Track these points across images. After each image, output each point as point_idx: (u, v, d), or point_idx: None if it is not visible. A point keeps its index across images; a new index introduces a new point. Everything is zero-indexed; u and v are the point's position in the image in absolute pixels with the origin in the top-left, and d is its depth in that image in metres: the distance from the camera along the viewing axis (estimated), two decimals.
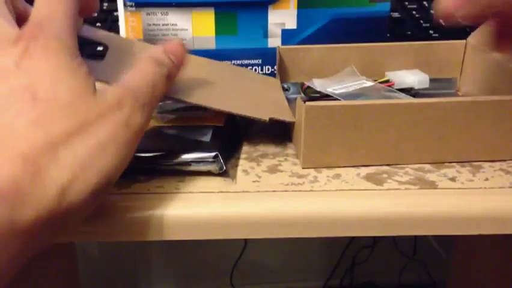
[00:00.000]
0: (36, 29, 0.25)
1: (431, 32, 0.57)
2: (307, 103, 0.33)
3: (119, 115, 0.25)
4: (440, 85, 0.45)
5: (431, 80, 0.43)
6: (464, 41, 0.45)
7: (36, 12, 0.26)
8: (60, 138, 0.23)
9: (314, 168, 0.35)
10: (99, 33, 0.35)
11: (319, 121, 0.33)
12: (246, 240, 1.01)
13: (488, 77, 0.42)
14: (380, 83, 0.41)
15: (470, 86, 0.44)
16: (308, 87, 0.41)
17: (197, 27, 0.42)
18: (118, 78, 0.28)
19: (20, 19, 0.28)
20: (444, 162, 0.36)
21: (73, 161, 0.23)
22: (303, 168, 0.35)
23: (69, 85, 0.24)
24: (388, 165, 0.35)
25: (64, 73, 0.24)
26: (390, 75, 0.43)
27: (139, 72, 0.29)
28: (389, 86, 0.41)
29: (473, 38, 0.44)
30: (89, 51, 0.52)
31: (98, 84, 0.27)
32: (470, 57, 0.44)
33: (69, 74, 0.25)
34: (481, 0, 0.31)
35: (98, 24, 0.55)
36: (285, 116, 0.37)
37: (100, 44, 0.35)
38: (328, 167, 0.35)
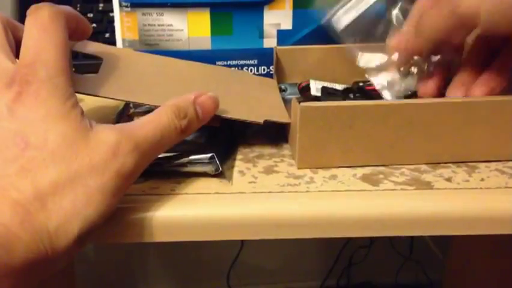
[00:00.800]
0: (29, 71, 0.25)
1: None
2: (302, 104, 0.33)
3: (111, 164, 0.25)
4: None
5: None
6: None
7: (26, 50, 0.26)
8: (48, 188, 0.24)
9: (310, 168, 0.35)
10: (93, 47, 0.35)
11: (314, 121, 0.33)
12: (242, 241, 1.01)
13: None
14: None
15: None
16: (305, 87, 0.41)
17: (192, 27, 0.42)
18: (111, 92, 0.28)
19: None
20: (440, 163, 0.36)
21: (59, 210, 0.24)
22: (298, 168, 0.35)
23: (60, 132, 0.24)
24: (384, 165, 0.35)
25: (55, 120, 0.25)
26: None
27: (153, 121, 0.28)
28: None
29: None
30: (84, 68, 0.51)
31: (101, 126, 0.26)
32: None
33: (60, 120, 0.25)
34: (406, 49, 0.37)
35: (94, 25, 0.55)
36: (281, 117, 0.37)
37: (94, 57, 0.35)
38: (323, 168, 0.35)
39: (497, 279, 0.80)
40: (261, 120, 0.36)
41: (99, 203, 0.25)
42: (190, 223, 0.31)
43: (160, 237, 0.31)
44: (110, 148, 0.25)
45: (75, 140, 0.25)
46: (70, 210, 0.24)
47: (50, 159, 0.24)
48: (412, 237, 1.02)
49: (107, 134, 0.26)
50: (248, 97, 0.39)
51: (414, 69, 0.38)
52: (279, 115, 0.37)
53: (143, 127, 0.28)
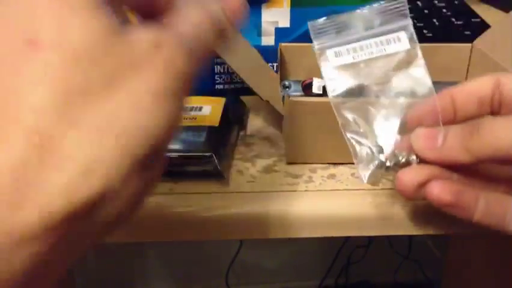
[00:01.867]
0: None
1: (425, 31, 0.57)
2: (291, 98, 0.33)
3: (155, 58, 0.18)
4: (444, 87, 0.44)
5: (435, 83, 0.42)
6: (470, 44, 0.44)
7: None
8: (75, 98, 0.16)
9: (299, 163, 0.35)
10: None
11: (303, 116, 0.33)
12: (241, 241, 1.01)
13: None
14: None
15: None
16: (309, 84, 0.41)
17: None
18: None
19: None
20: None
21: (98, 128, 0.16)
22: (288, 163, 0.35)
23: (84, 26, 0.17)
24: None
25: (76, 11, 0.17)
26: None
27: (186, 16, 0.21)
28: None
29: (479, 42, 0.44)
30: None
31: (135, 26, 0.20)
32: (475, 61, 0.44)
33: (84, 12, 0.17)
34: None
35: None
36: (278, 106, 0.38)
37: None
38: (314, 163, 0.35)
39: (496, 279, 0.80)
40: (265, 99, 0.38)
41: (150, 110, 0.17)
42: (188, 222, 0.31)
43: (159, 236, 0.31)
44: (151, 42, 0.18)
45: (106, 35, 0.17)
46: (113, 125, 0.16)
47: (74, 61, 0.16)
48: (411, 236, 1.02)
49: (145, 29, 0.19)
50: (259, 74, 0.40)
51: (411, 158, 0.28)
52: (277, 104, 0.38)
53: (180, 22, 0.21)
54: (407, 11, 0.30)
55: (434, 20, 0.59)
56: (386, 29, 0.30)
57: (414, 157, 0.27)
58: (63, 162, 0.16)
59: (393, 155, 0.28)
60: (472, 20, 0.60)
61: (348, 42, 0.30)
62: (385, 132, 0.29)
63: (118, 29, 0.18)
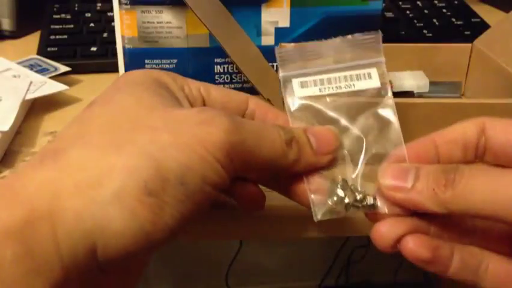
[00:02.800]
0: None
1: (424, 31, 0.57)
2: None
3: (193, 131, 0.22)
4: (444, 88, 0.44)
5: (435, 83, 0.42)
6: (470, 44, 0.44)
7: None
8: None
9: None
10: None
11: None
12: (241, 241, 1.01)
13: (493, 82, 0.41)
14: None
15: (476, 90, 0.44)
16: None
17: (191, 25, 0.42)
18: None
19: None
20: None
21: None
22: None
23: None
24: None
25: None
26: (392, 76, 0.42)
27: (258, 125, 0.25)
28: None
29: (479, 42, 0.44)
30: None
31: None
32: (475, 61, 0.44)
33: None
34: None
35: (92, 24, 0.55)
36: (278, 106, 0.38)
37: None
38: None
39: None
40: (266, 97, 0.38)
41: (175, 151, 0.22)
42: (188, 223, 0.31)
43: None
44: (196, 115, 0.23)
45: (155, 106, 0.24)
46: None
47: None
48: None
49: (200, 109, 0.24)
50: (260, 72, 0.41)
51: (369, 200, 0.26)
52: (277, 104, 0.38)
53: (251, 124, 0.25)
54: (381, 47, 0.28)
55: (434, 20, 0.59)
56: (357, 63, 0.28)
57: (371, 200, 0.25)
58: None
59: (351, 191, 0.25)
60: (472, 20, 0.60)
61: (316, 73, 0.28)
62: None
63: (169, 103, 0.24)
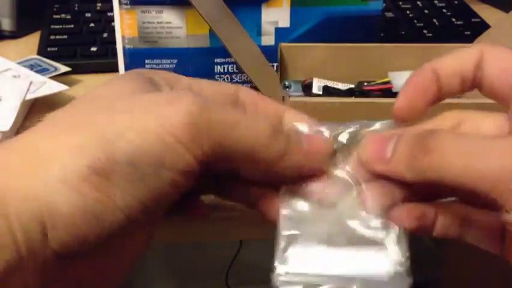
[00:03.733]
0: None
1: (424, 31, 0.57)
2: (291, 98, 0.33)
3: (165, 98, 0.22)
4: None
5: None
6: (470, 44, 0.44)
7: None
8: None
9: None
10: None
11: None
12: (241, 241, 1.01)
13: None
14: (380, 83, 0.41)
15: (475, 90, 0.44)
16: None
17: (191, 25, 0.42)
18: None
19: None
20: None
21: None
22: None
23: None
24: None
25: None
26: (393, 75, 0.42)
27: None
28: (388, 88, 0.41)
29: (479, 42, 0.44)
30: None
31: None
32: None
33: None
34: None
35: (92, 24, 0.55)
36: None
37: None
38: None
39: (496, 278, 0.80)
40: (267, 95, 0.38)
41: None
42: (189, 223, 0.31)
43: (159, 236, 0.31)
44: (162, 96, 0.23)
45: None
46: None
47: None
48: (410, 235, 1.02)
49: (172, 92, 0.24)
50: (261, 71, 0.41)
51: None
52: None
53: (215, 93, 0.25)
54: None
55: (434, 20, 0.59)
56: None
57: None
58: None
59: None
60: (472, 20, 0.60)
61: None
62: None
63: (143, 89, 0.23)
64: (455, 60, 0.25)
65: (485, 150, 0.20)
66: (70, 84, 0.45)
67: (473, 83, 0.25)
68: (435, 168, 0.21)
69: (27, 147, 0.20)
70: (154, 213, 0.22)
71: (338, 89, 0.41)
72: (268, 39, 0.44)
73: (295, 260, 0.23)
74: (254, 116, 0.23)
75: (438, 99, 0.26)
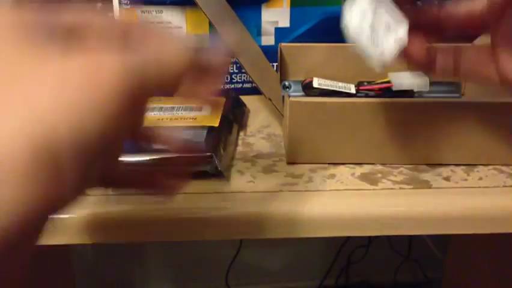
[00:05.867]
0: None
1: None
2: (291, 98, 0.33)
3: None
4: (444, 88, 0.44)
5: (436, 84, 0.42)
6: (470, 44, 0.44)
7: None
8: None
9: (299, 163, 0.35)
10: None
11: (303, 116, 0.33)
12: (241, 241, 1.01)
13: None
14: (380, 83, 0.41)
15: (476, 90, 0.44)
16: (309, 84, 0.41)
17: (191, 25, 0.42)
18: None
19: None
20: (436, 164, 0.36)
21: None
22: (288, 163, 0.35)
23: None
24: (381, 164, 0.35)
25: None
26: (392, 76, 0.42)
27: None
28: (388, 87, 0.41)
29: (479, 42, 0.44)
30: None
31: None
32: None
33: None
34: None
35: None
36: (279, 106, 0.38)
37: None
38: (314, 163, 0.35)
39: (496, 278, 0.80)
40: (267, 96, 0.38)
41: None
42: (189, 223, 0.31)
43: (159, 236, 0.31)
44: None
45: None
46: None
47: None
48: (411, 236, 1.02)
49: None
50: (261, 71, 0.41)
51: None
52: (278, 104, 0.38)
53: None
54: None
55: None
56: None
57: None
58: None
59: None
60: None
61: None
62: None
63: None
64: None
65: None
66: None
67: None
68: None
69: None
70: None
71: (338, 91, 0.41)
72: (268, 39, 0.44)
73: None
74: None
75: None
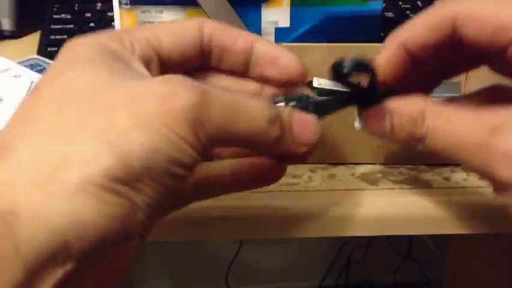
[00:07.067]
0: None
1: None
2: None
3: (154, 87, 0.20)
4: (444, 89, 0.44)
5: None
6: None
7: None
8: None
9: (299, 163, 0.35)
10: None
11: None
12: (241, 241, 1.01)
13: (493, 82, 0.41)
14: None
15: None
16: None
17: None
18: None
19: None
20: (436, 165, 0.36)
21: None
22: None
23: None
24: (381, 164, 0.35)
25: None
26: None
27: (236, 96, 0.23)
28: None
29: None
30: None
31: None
32: None
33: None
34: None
35: (92, 24, 0.55)
36: None
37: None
38: (314, 163, 0.35)
39: (496, 278, 0.80)
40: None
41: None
42: (189, 223, 0.31)
43: (159, 236, 0.31)
44: (158, 88, 0.20)
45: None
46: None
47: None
48: (411, 236, 1.02)
49: (158, 81, 0.21)
50: None
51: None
52: None
53: (221, 93, 0.22)
54: None
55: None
56: None
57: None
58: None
59: None
60: None
61: None
62: None
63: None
64: (423, 29, 0.26)
65: (468, 124, 0.23)
66: None
67: (451, 48, 0.26)
68: (433, 150, 0.25)
69: (27, 163, 0.19)
70: (164, 208, 0.23)
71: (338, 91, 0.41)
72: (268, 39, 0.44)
73: None
74: (251, 101, 0.22)
75: (417, 69, 0.27)
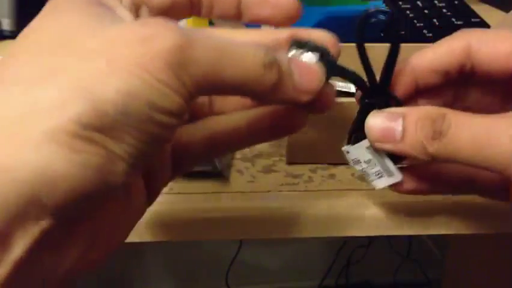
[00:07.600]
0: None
1: (424, 31, 0.57)
2: None
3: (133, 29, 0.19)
4: None
5: None
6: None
7: None
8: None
9: (299, 163, 0.35)
10: None
11: None
12: (241, 241, 1.01)
13: None
14: None
15: None
16: None
17: (191, 24, 0.42)
18: None
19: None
20: None
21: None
22: (288, 163, 0.35)
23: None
24: None
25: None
26: None
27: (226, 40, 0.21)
28: None
29: None
30: None
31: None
32: None
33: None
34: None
35: None
36: None
37: None
38: (314, 163, 0.35)
39: (496, 278, 0.80)
40: None
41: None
42: (189, 223, 0.31)
43: (159, 236, 0.31)
44: (137, 31, 0.19)
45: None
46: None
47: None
48: (411, 236, 1.02)
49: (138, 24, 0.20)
50: None
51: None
52: None
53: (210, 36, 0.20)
54: None
55: (434, 20, 0.59)
56: None
57: None
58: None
59: None
60: (472, 20, 0.60)
61: None
62: None
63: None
64: (436, 55, 0.26)
65: (495, 134, 0.22)
66: None
67: (461, 74, 0.25)
68: (447, 152, 0.23)
69: None
70: (151, 160, 0.21)
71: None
72: None
73: None
74: (243, 45, 0.21)
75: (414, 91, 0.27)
